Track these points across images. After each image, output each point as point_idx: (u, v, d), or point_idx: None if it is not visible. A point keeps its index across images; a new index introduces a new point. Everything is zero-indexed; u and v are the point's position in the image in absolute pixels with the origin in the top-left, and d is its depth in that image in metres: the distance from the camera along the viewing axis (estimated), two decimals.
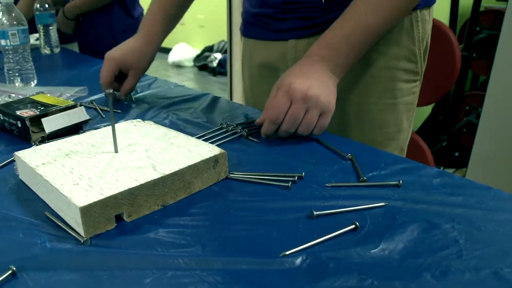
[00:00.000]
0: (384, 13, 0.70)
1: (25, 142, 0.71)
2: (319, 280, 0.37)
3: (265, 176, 0.55)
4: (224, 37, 4.90)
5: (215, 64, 4.66)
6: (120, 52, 0.90)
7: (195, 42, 5.13)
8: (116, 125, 0.61)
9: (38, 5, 1.53)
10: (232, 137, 0.70)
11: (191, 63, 5.07)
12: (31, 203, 0.51)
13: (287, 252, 0.40)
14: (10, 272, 0.39)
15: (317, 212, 0.46)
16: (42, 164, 0.52)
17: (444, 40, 1.47)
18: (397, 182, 0.53)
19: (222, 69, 4.62)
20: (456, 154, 2.27)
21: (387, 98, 0.82)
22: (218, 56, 4.71)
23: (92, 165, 0.51)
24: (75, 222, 0.44)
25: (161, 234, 0.44)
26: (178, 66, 5.15)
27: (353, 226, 0.43)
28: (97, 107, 0.85)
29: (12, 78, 1.10)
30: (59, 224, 0.46)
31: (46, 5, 1.54)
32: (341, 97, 0.79)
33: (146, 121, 0.67)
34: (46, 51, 1.58)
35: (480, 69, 2.35)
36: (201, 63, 4.85)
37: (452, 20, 2.23)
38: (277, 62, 0.89)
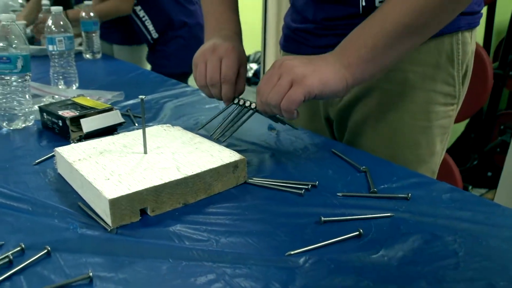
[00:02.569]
0: (419, 14, 0.62)
1: (65, 139, 0.77)
2: (319, 279, 0.40)
3: (281, 183, 0.59)
4: (260, 47, 4.98)
5: (250, 74, 4.73)
6: (233, 43, 0.77)
7: None
8: (147, 129, 0.66)
9: (83, 14, 1.63)
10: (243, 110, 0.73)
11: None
12: (67, 194, 0.57)
13: (292, 252, 0.43)
14: (45, 251, 0.44)
15: (325, 218, 0.49)
16: (79, 160, 0.58)
17: (476, 57, 1.47)
18: (406, 195, 0.55)
19: (257, 79, 4.68)
20: (489, 174, 2.23)
21: (422, 120, 0.80)
22: (254, 66, 4.77)
23: (123, 164, 0.56)
24: (104, 212, 0.49)
25: (179, 228, 0.48)
26: None
27: (357, 232, 0.46)
28: (131, 115, 0.90)
29: (56, 80, 1.17)
30: (90, 213, 0.51)
31: (91, 14, 1.63)
32: (374, 115, 0.80)
33: (175, 126, 0.72)
34: (88, 56, 1.67)
35: None
36: None
37: (487, 38, 2.21)
38: None
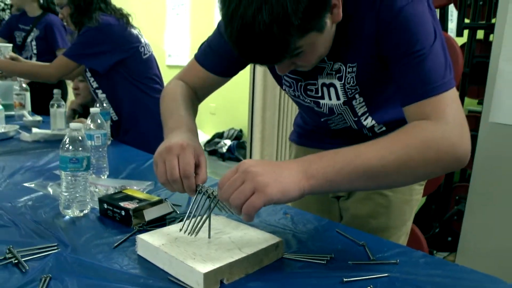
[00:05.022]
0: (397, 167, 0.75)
1: (126, 226, 0.98)
2: None
3: (307, 256, 0.82)
4: (234, 124, 5.32)
5: (224, 150, 5.03)
6: (188, 141, 0.88)
7: (206, 128, 5.55)
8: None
9: (97, 105, 1.87)
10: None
11: (202, 148, 5.43)
12: (155, 271, 0.78)
13: None
14: None
15: (346, 279, 0.73)
16: (163, 244, 0.80)
17: None
18: (395, 261, 0.81)
19: (231, 155, 4.99)
20: (449, 239, 2.53)
21: (407, 194, 1.14)
22: (228, 142, 5.09)
23: (198, 247, 0.79)
24: (196, 283, 0.71)
25: None
26: None
27: (369, 287, 0.71)
28: (172, 205, 1.11)
29: (90, 170, 1.39)
30: (182, 284, 0.72)
31: (104, 104, 1.87)
32: (376, 191, 1.11)
33: (218, 216, 0.95)
34: None
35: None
36: (211, 148, 5.22)
37: None
38: None
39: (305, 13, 0.73)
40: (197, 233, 0.81)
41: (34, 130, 2.01)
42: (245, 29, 0.73)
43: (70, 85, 3.53)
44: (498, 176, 1.89)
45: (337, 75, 0.95)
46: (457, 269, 0.81)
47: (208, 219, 0.83)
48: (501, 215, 1.89)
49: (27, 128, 2.14)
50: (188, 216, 0.83)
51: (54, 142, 1.87)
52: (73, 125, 1.05)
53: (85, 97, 2.31)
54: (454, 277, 0.76)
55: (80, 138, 1.05)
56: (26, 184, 1.24)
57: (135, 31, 1.99)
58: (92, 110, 1.39)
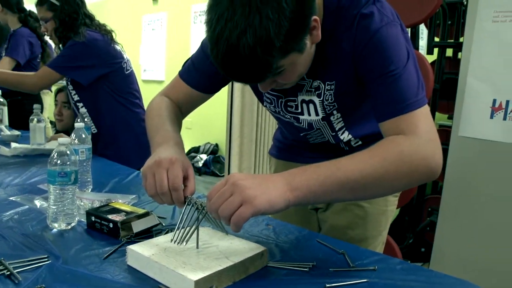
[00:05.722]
0: (374, 178, 0.81)
1: (114, 238, 1.01)
2: None
3: (290, 264, 0.87)
4: (210, 139, 5.36)
5: (200, 164, 5.05)
6: (177, 155, 0.92)
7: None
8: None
9: (78, 119, 1.88)
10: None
11: (190, 161, 5.43)
12: (145, 281, 0.81)
13: None
14: None
15: (328, 285, 0.78)
16: (153, 254, 0.83)
17: None
18: (374, 267, 0.86)
19: (207, 169, 5.01)
20: (423, 249, 2.61)
21: (383, 205, 1.19)
22: (204, 157, 5.11)
23: (187, 256, 0.82)
24: None
25: None
26: None
27: None
28: (157, 218, 1.14)
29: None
30: None
31: (86, 120, 1.89)
32: (353, 203, 1.16)
33: (205, 227, 0.99)
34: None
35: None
36: None
37: None
38: None
39: (286, 36, 0.78)
40: (186, 242, 0.84)
41: (14, 144, 2.00)
42: (230, 51, 0.78)
43: (47, 94, 3.53)
44: (468, 188, 1.98)
45: (316, 92, 1.01)
46: (431, 274, 0.86)
47: (196, 229, 0.87)
48: (472, 225, 1.97)
49: (5, 142, 2.13)
50: (178, 227, 0.87)
51: (34, 156, 1.88)
52: (61, 140, 1.07)
53: (67, 124, 2.32)
54: (428, 282, 0.82)
55: (68, 152, 1.07)
56: (12, 198, 1.25)
57: (118, 47, 2.02)
58: (76, 125, 1.41)
